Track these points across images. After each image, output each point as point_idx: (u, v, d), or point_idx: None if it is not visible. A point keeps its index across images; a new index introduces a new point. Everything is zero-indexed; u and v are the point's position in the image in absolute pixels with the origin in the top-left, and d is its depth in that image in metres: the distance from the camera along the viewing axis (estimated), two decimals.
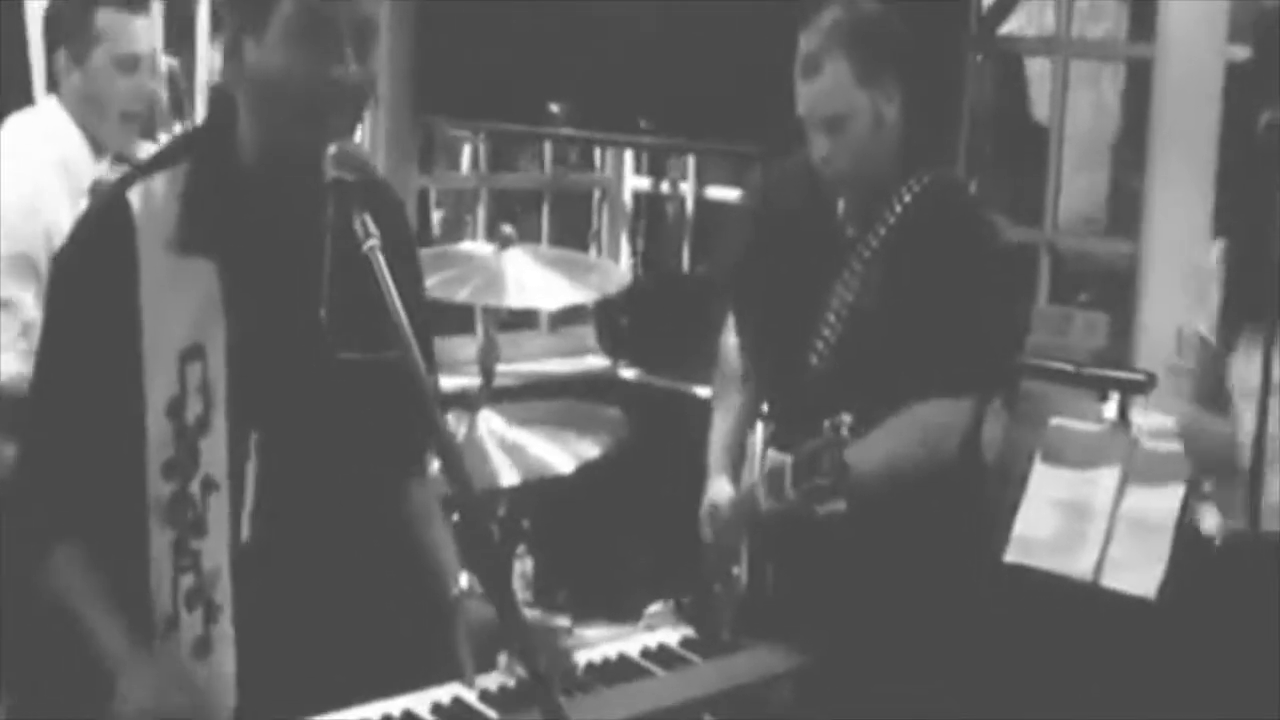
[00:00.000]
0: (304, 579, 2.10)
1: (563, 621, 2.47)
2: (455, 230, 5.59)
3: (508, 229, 3.83)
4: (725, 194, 5.04)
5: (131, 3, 3.36)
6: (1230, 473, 2.92)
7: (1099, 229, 5.34)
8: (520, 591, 3.66)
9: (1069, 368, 3.55)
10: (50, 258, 3.15)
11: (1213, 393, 3.03)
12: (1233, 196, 3.71)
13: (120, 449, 2.03)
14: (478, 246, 3.97)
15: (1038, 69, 5.06)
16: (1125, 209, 4.79)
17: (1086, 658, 3.12)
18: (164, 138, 3.73)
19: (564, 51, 4.29)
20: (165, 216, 2.06)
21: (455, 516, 2.32)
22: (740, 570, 2.76)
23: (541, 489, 3.61)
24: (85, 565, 2.06)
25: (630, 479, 3.86)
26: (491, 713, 2.06)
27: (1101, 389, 3.48)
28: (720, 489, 2.92)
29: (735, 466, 2.98)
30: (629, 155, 5.25)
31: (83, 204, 3.30)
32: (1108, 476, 3.23)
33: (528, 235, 4.43)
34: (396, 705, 2.06)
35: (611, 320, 4.89)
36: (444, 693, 2.09)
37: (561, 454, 3.54)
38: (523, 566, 3.70)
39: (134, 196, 2.07)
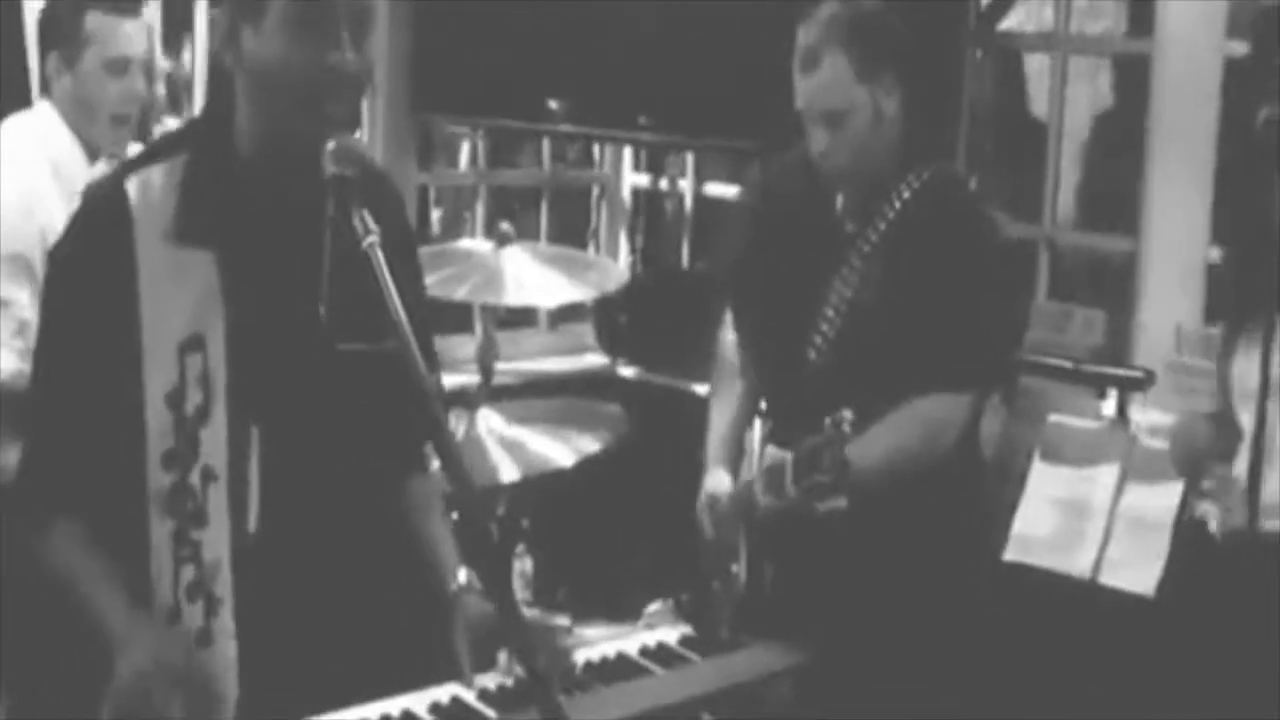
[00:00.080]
0: (304, 572, 2.10)
1: (562, 620, 2.46)
2: (454, 228, 5.58)
3: (506, 226, 3.83)
4: (724, 191, 5.04)
5: (121, 6, 3.36)
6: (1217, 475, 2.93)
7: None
8: (519, 590, 3.65)
9: (1068, 365, 3.55)
10: (44, 256, 3.17)
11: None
12: (1231, 194, 3.71)
13: (120, 440, 2.03)
14: (476, 244, 3.97)
15: (1036, 65, 5.05)
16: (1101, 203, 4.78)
17: (1085, 656, 3.12)
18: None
19: (563, 48, 4.29)
20: (163, 207, 2.06)
21: (454, 515, 2.32)
22: (739, 568, 2.76)
23: (541, 487, 3.61)
24: (82, 540, 2.06)
25: (629, 477, 3.86)
26: (490, 712, 2.06)
27: (1100, 386, 3.48)
28: (718, 480, 2.91)
29: (733, 459, 2.98)
30: (628, 152, 5.24)
31: (76, 206, 3.32)
32: (1106, 474, 3.23)
33: (526, 233, 4.43)
34: (395, 705, 2.06)
35: (610, 318, 4.89)
36: (443, 692, 2.09)
37: (561, 452, 3.54)
38: (522, 565, 3.70)
39: (131, 187, 2.07)
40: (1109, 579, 3.15)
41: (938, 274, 2.81)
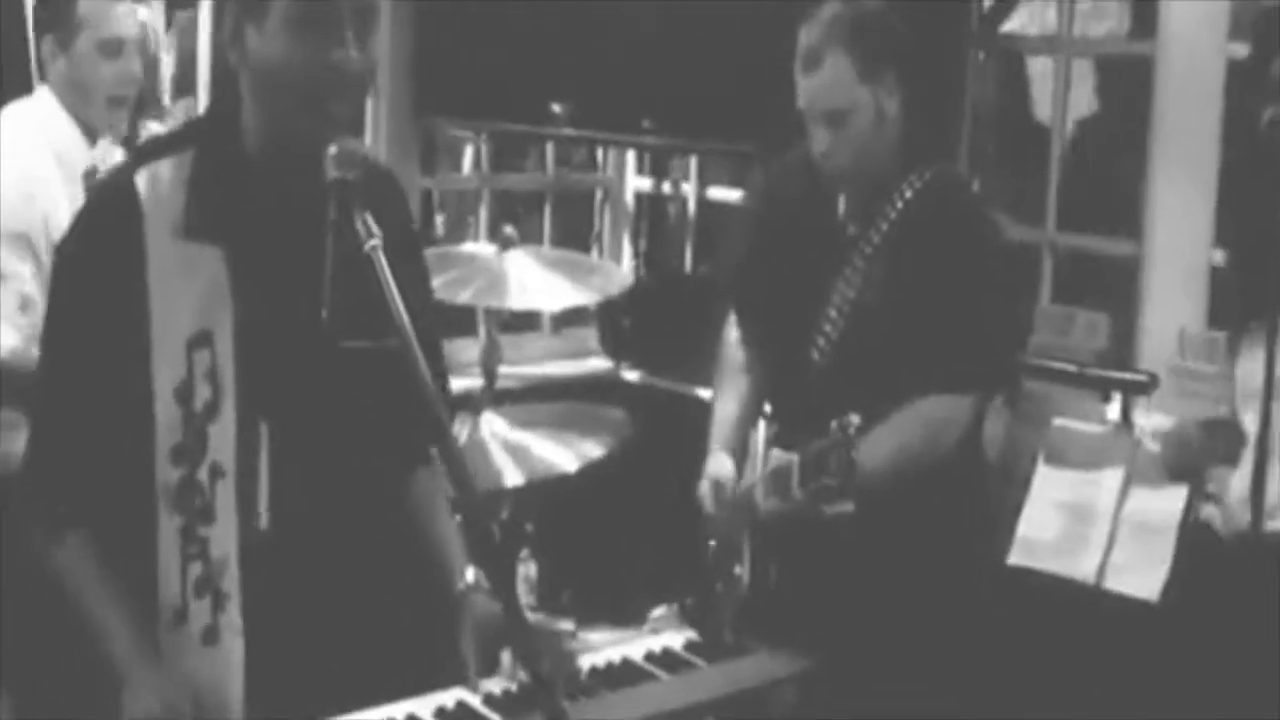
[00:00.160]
0: (312, 568, 2.10)
1: (567, 625, 2.47)
2: (457, 231, 5.58)
3: (510, 230, 3.83)
4: (727, 195, 5.03)
5: None
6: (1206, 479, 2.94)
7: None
8: (524, 595, 3.65)
9: (1071, 368, 3.54)
10: (49, 242, 3.19)
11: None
12: (1235, 195, 3.70)
13: (128, 435, 2.03)
14: (480, 248, 3.97)
15: (1039, 68, 5.05)
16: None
17: (1089, 660, 3.12)
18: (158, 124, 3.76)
19: (566, 52, 4.29)
20: (172, 202, 2.05)
21: (458, 519, 2.31)
22: (742, 571, 2.76)
23: (545, 491, 3.61)
24: (94, 560, 2.06)
25: (633, 481, 3.86)
26: (495, 716, 2.06)
27: (1104, 390, 3.48)
28: (720, 464, 2.90)
29: (736, 446, 2.96)
30: (631, 156, 5.24)
31: (78, 189, 3.33)
32: (1111, 478, 3.23)
33: (530, 236, 4.43)
34: (400, 710, 2.06)
35: (614, 322, 4.89)
36: (448, 696, 2.09)
37: (564, 457, 3.54)
38: (526, 570, 3.70)
39: (141, 181, 2.06)
40: (1113, 583, 3.15)
41: (940, 275, 2.81)
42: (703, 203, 5.14)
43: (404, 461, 2.25)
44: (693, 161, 5.12)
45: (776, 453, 2.75)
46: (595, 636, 2.52)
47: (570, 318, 5.04)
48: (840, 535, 2.60)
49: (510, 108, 4.43)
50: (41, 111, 3.38)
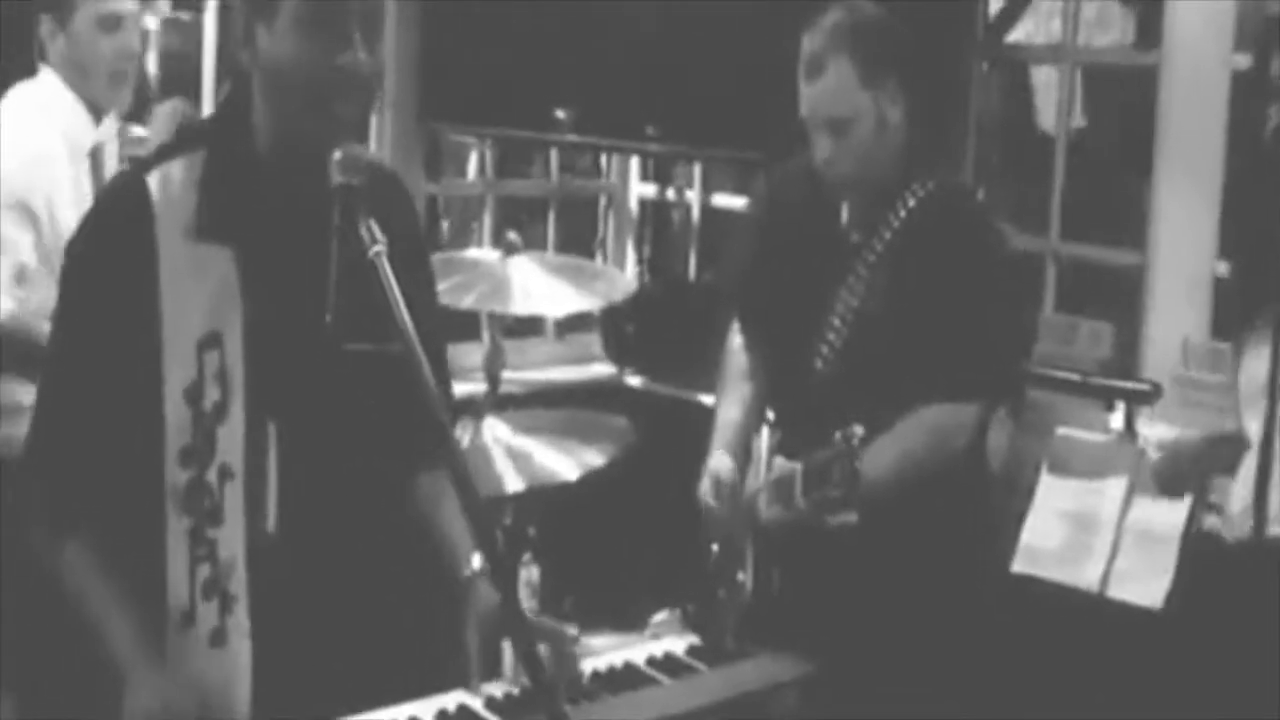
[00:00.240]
0: (317, 570, 2.09)
1: (569, 629, 2.46)
2: (461, 237, 5.59)
3: (514, 236, 3.83)
4: (731, 202, 5.04)
5: None
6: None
7: None
8: (526, 599, 3.65)
9: (1075, 377, 3.54)
10: (50, 217, 3.21)
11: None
12: (1239, 199, 3.70)
13: (136, 436, 2.03)
14: (484, 253, 3.98)
15: (1043, 78, 5.06)
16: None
17: (1092, 668, 3.12)
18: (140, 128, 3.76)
19: (570, 58, 4.29)
20: (183, 203, 2.05)
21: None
22: (745, 577, 2.76)
23: (547, 497, 3.61)
24: (97, 562, 2.06)
25: (636, 487, 3.85)
26: (496, 719, 2.06)
27: (1108, 399, 3.48)
28: (721, 461, 2.90)
29: (737, 447, 2.96)
30: (635, 162, 5.25)
31: (83, 168, 3.34)
32: (1114, 487, 3.23)
33: (534, 242, 4.44)
34: (402, 712, 2.06)
35: (617, 328, 4.89)
36: (449, 699, 2.09)
37: (567, 462, 3.54)
38: (528, 574, 3.70)
39: (152, 182, 2.06)
40: (1116, 592, 3.15)
41: (943, 283, 2.81)
42: (706, 209, 5.14)
43: (409, 464, 2.25)
44: (697, 168, 5.13)
45: (780, 461, 2.75)
46: (597, 641, 2.52)
47: (574, 323, 5.04)
48: (844, 542, 2.59)
49: (514, 114, 4.44)
50: (45, 92, 3.39)
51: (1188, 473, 3.04)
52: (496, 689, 2.11)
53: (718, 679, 2.27)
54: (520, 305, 3.72)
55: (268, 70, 2.04)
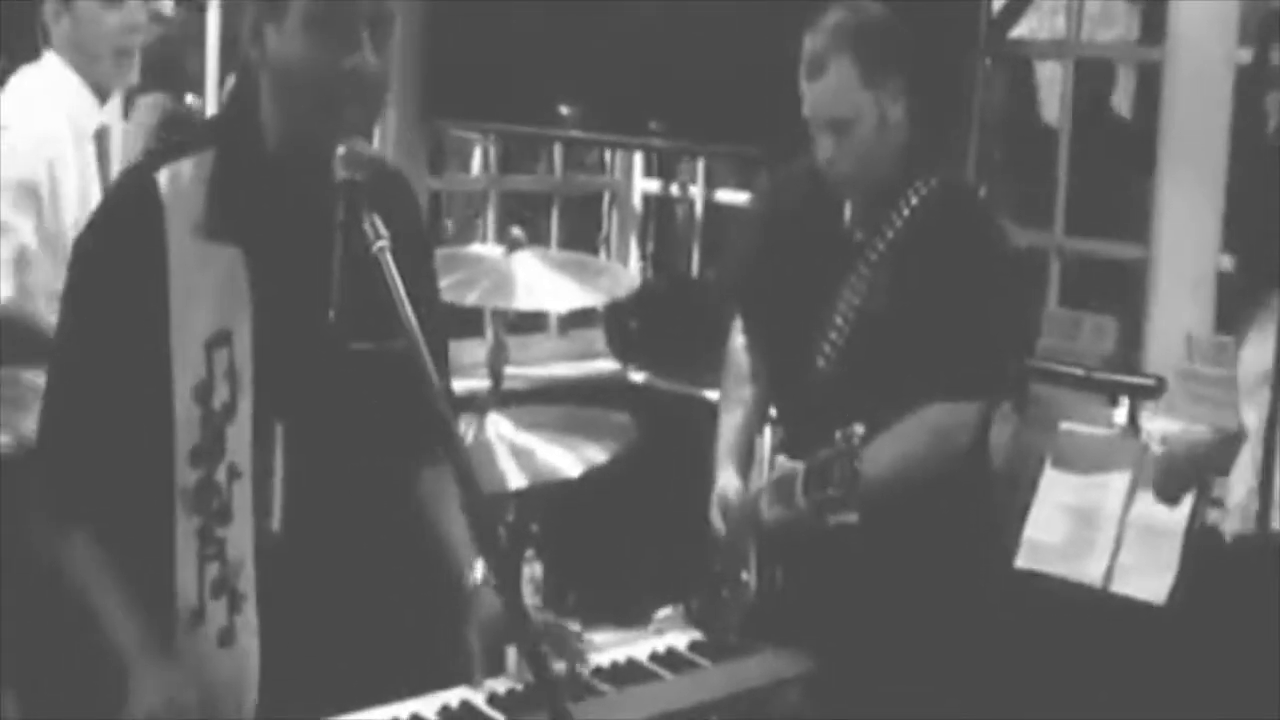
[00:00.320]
0: (322, 568, 2.10)
1: (572, 625, 2.46)
2: (465, 233, 5.59)
3: (517, 231, 3.83)
4: (735, 197, 5.04)
5: None
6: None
7: None
8: (529, 595, 3.65)
9: (1079, 372, 3.54)
10: (54, 200, 3.21)
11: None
12: (1242, 192, 3.70)
13: (144, 433, 2.03)
14: (487, 249, 3.98)
15: (1047, 73, 5.05)
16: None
17: (1095, 663, 3.12)
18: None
19: (574, 54, 4.29)
20: (193, 201, 2.05)
21: (465, 519, 2.31)
22: (749, 574, 2.76)
23: (550, 493, 3.61)
24: (102, 556, 2.06)
25: (639, 482, 3.86)
26: (499, 716, 2.06)
27: (1112, 394, 3.48)
28: (729, 480, 2.91)
29: (743, 462, 2.98)
30: (638, 158, 5.25)
31: (89, 152, 3.34)
32: (1118, 482, 3.23)
33: (537, 238, 4.43)
34: (405, 709, 2.06)
35: (621, 324, 4.90)
36: (452, 696, 2.09)
37: (570, 458, 3.54)
38: (532, 570, 3.70)
39: (163, 179, 2.06)
40: (1120, 586, 3.14)
41: (945, 282, 2.81)
42: (710, 205, 5.14)
43: (412, 461, 2.25)
44: (700, 164, 5.13)
45: (782, 460, 2.76)
46: (600, 637, 2.51)
47: (577, 319, 5.04)
48: (847, 539, 2.59)
49: (518, 110, 4.44)
50: (50, 76, 3.39)
51: (1185, 477, 3.04)
52: (500, 685, 2.11)
53: (721, 675, 2.27)
54: (523, 301, 3.73)
55: (276, 71, 2.04)
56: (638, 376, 4.87)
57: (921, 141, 2.92)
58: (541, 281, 3.73)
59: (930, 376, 2.78)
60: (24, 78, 3.43)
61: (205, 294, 2.03)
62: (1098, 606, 3.15)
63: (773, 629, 2.45)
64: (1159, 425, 3.31)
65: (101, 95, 3.42)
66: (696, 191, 5.17)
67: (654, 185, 5.29)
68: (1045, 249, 4.18)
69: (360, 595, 2.14)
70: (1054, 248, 4.18)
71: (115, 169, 3.46)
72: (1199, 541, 3.10)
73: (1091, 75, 4.22)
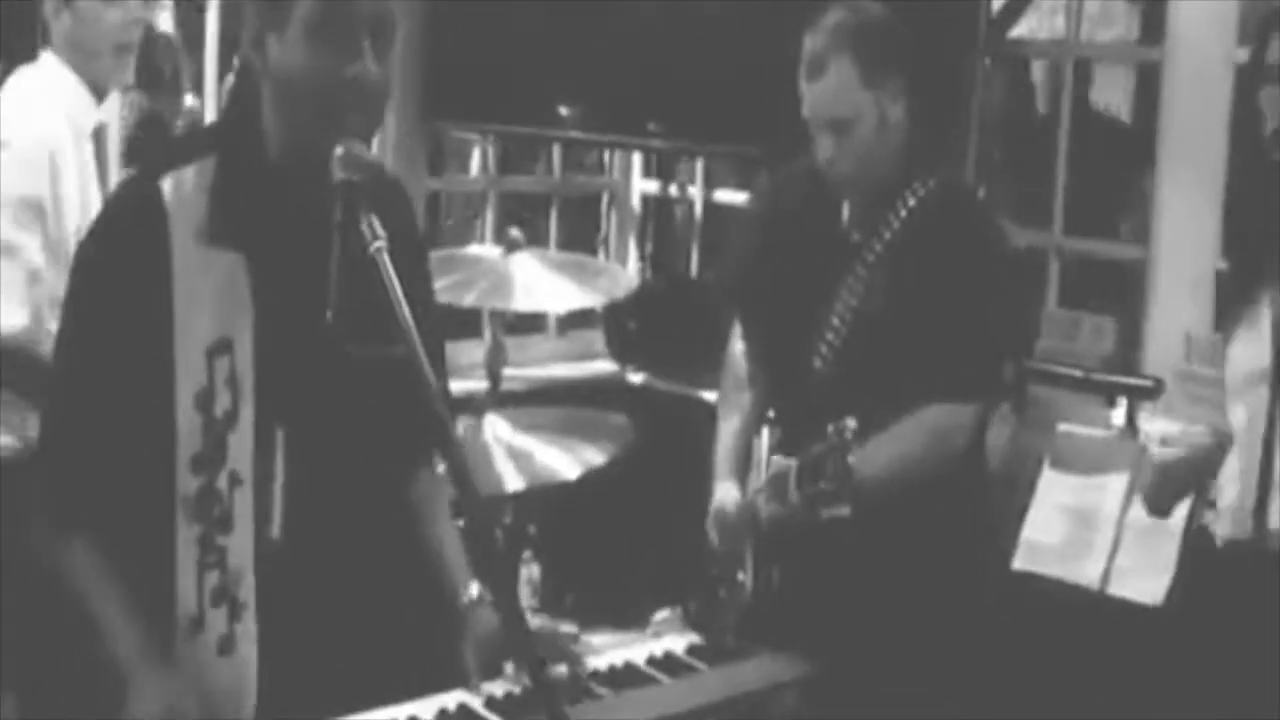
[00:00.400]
0: (325, 575, 2.10)
1: (569, 628, 2.47)
2: (464, 233, 5.59)
3: (516, 232, 3.83)
4: (733, 197, 5.04)
5: None
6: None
7: None
8: (526, 598, 3.66)
9: (1077, 373, 3.54)
10: (57, 208, 3.19)
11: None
12: (1239, 189, 3.70)
13: (145, 441, 2.03)
14: (486, 250, 3.97)
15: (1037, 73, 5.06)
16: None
17: (1092, 665, 3.12)
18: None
19: (573, 55, 4.29)
20: (196, 209, 2.05)
21: (461, 522, 2.32)
22: (745, 576, 2.76)
23: (548, 495, 3.61)
24: (102, 563, 2.05)
25: (637, 484, 3.86)
26: (496, 719, 2.05)
27: (1110, 395, 3.48)
28: (727, 493, 2.92)
29: (741, 470, 2.98)
30: (637, 158, 5.25)
31: (87, 150, 3.33)
32: (1116, 483, 3.23)
33: (536, 239, 4.43)
34: (402, 712, 2.05)
35: (619, 324, 4.89)
36: (450, 699, 2.09)
37: (568, 460, 3.54)
38: (529, 573, 3.70)
39: (166, 186, 2.06)
40: (1117, 588, 3.14)
41: (943, 283, 2.81)
42: (709, 205, 5.14)
43: (407, 464, 2.25)
44: (699, 164, 5.13)
45: (777, 459, 2.76)
46: (597, 639, 2.52)
47: (576, 320, 5.04)
48: (844, 540, 2.59)
49: (517, 110, 4.44)
50: (47, 75, 3.39)
51: (1180, 487, 3.04)
52: (497, 688, 2.11)
53: (718, 678, 2.27)
54: (522, 302, 3.72)
55: (278, 79, 2.04)
56: (636, 377, 4.86)
57: (921, 141, 2.92)
58: (540, 282, 3.72)
59: (928, 377, 2.78)
60: (21, 79, 3.43)
61: (207, 301, 2.03)
62: (1095, 608, 3.15)
63: (770, 631, 2.45)
64: (1157, 426, 3.31)
65: (99, 93, 3.41)
66: (695, 192, 5.17)
67: (653, 186, 5.29)
68: (1044, 249, 4.18)
69: (359, 601, 2.14)
70: (1053, 248, 4.18)
71: (113, 167, 3.47)
72: (1197, 543, 3.10)
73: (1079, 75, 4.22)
